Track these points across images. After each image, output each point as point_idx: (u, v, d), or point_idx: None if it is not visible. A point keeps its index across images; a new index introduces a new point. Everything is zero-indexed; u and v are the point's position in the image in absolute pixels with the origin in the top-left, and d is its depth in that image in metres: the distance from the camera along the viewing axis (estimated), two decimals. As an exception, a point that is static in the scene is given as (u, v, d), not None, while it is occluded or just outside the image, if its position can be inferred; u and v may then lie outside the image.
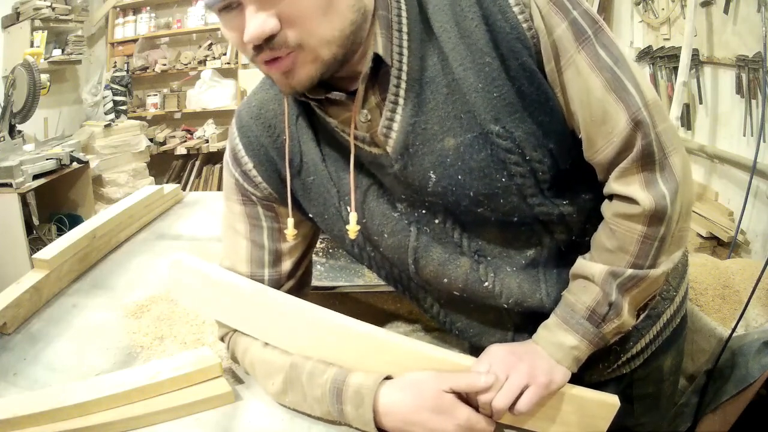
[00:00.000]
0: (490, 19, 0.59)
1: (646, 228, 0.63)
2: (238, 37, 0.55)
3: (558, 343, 0.67)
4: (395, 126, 0.63)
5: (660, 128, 0.60)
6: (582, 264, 0.68)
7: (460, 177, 0.63)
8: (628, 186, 0.62)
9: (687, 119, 2.43)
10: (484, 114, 0.60)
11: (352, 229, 0.68)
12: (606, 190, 0.66)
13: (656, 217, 0.62)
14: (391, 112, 0.63)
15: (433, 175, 0.64)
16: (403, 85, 0.61)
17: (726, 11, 2.12)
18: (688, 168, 0.64)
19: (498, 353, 0.68)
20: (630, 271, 0.64)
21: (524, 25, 0.58)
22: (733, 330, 1.21)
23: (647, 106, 0.60)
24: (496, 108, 0.60)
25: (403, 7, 0.61)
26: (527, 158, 0.62)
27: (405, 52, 0.61)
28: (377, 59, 0.60)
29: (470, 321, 0.78)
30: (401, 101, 0.62)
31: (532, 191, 0.64)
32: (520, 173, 0.63)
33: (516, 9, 0.58)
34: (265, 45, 0.53)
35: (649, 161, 0.61)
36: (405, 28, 0.61)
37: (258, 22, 0.52)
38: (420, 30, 0.61)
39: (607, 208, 0.66)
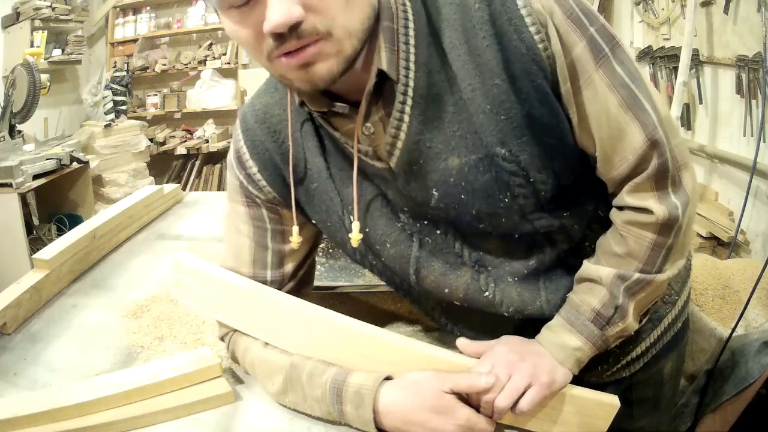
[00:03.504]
0: (504, 38, 0.57)
1: (656, 236, 0.63)
2: (252, 32, 0.52)
3: (561, 343, 0.67)
4: (399, 143, 0.62)
5: (673, 144, 0.60)
6: (588, 267, 0.67)
7: (463, 196, 0.63)
8: (642, 200, 0.62)
9: (687, 119, 2.43)
10: (490, 136, 0.59)
11: (355, 238, 0.67)
12: (618, 201, 0.66)
13: (667, 226, 0.62)
14: (396, 129, 0.61)
15: (435, 193, 0.64)
16: (409, 101, 0.60)
17: (726, 11, 2.12)
18: (696, 181, 0.64)
19: (500, 352, 0.67)
20: (637, 275, 0.64)
21: (540, 46, 0.56)
22: (733, 330, 1.21)
23: (662, 123, 0.59)
24: (503, 131, 0.59)
25: (411, 18, 0.59)
26: (531, 180, 0.61)
27: (412, 66, 0.59)
28: (381, 73, 0.58)
29: (471, 327, 0.78)
30: (406, 118, 0.61)
31: (532, 209, 0.64)
32: (523, 194, 0.62)
33: (532, 29, 0.56)
34: (288, 35, 0.50)
35: (663, 177, 0.61)
36: (412, 41, 0.58)
37: (283, 9, 0.48)
38: (428, 44, 0.59)
39: (618, 215, 0.66)
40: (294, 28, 0.49)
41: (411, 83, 0.59)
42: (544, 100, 0.58)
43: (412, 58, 0.59)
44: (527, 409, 0.63)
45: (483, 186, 0.62)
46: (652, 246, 0.63)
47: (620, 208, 0.66)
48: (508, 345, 0.69)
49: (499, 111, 0.58)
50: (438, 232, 0.69)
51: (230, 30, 0.54)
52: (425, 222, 0.69)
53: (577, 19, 0.56)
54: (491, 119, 0.59)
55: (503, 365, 0.65)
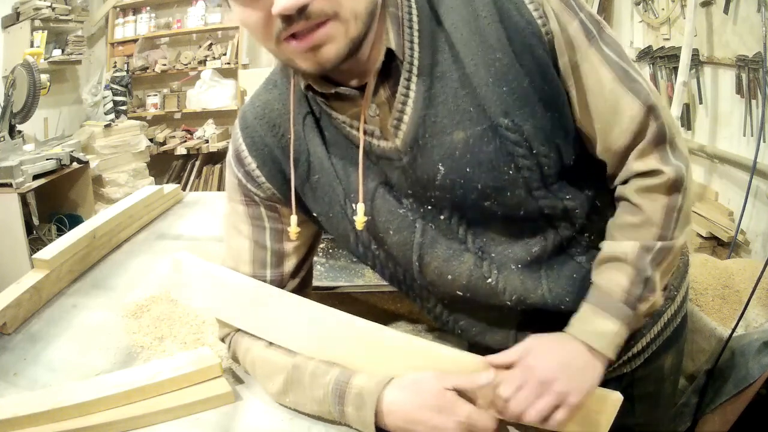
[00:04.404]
0: (505, 15, 0.61)
1: (668, 197, 0.66)
2: (261, 15, 0.54)
3: (598, 331, 0.65)
4: (405, 119, 0.64)
5: (665, 113, 0.65)
6: (609, 246, 0.68)
7: (468, 170, 0.64)
8: (649, 164, 0.65)
9: (687, 119, 2.43)
10: (493, 107, 0.62)
11: (360, 220, 0.68)
12: (624, 174, 0.68)
13: (676, 186, 0.65)
14: (402, 104, 0.64)
15: (442, 168, 0.65)
16: (414, 78, 0.63)
17: (726, 11, 2.12)
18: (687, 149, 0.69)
19: (536, 367, 0.64)
20: (660, 244, 0.66)
21: (539, 22, 0.61)
22: (733, 330, 1.21)
23: (653, 93, 0.65)
24: (506, 102, 0.62)
25: (414, 5, 0.63)
26: (534, 152, 0.63)
27: (416, 47, 0.63)
28: (388, 54, 0.61)
29: (473, 320, 0.78)
30: (412, 94, 0.63)
31: (537, 185, 0.65)
32: (527, 166, 0.64)
33: (531, 7, 0.61)
34: (296, 17, 0.53)
35: (662, 140, 0.65)
36: (416, 26, 0.63)
37: None
38: (431, 28, 0.63)
39: (627, 188, 0.68)
40: (302, 11, 0.52)
41: (416, 62, 0.63)
42: (544, 73, 0.62)
43: (416, 40, 0.62)
44: (553, 426, 0.63)
45: (488, 157, 0.63)
46: (666, 209, 0.66)
47: (626, 182, 0.68)
48: (544, 351, 0.66)
49: (502, 83, 0.61)
50: (442, 217, 0.70)
51: (240, 14, 0.57)
52: (429, 207, 0.70)
53: (568, 3, 0.63)
54: (494, 91, 0.62)
55: (534, 386, 0.63)
